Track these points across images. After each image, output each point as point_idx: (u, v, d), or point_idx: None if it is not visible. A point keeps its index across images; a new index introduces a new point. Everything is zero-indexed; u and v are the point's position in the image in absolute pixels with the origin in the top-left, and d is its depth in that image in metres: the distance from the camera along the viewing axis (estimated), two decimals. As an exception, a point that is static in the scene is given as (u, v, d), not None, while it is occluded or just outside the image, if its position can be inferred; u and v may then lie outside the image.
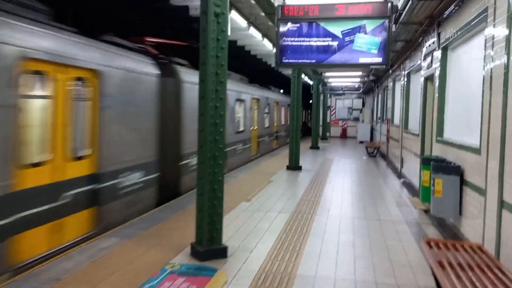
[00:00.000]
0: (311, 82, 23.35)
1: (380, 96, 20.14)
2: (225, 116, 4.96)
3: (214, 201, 4.95)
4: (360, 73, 20.63)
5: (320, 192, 9.13)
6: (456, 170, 5.65)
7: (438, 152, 7.14)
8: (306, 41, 6.34)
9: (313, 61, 6.41)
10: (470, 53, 6.09)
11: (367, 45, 6.17)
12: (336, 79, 24.51)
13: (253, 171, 12.37)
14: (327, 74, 21.36)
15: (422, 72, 8.88)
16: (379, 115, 20.82)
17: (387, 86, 16.97)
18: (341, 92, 30.91)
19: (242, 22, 9.76)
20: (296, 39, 6.39)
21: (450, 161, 6.13)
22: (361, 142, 25.13)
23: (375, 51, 6.19)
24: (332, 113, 31.35)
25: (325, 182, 10.51)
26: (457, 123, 6.59)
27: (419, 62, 9.59)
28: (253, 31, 10.78)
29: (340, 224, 6.61)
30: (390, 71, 15.07)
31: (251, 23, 9.94)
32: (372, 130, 25.42)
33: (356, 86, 29.20)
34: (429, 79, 8.48)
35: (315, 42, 6.31)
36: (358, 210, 7.57)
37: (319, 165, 14.03)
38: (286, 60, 6.51)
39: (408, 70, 11.15)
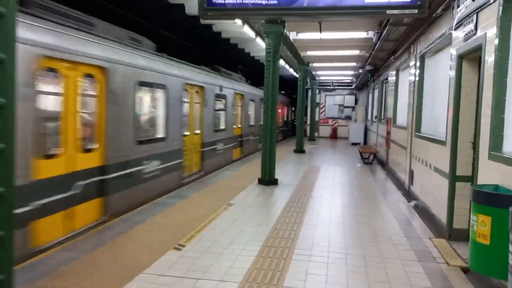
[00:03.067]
0: (297, 75, 20.29)
1: (377, 91, 17.16)
2: (11, 95, 1.85)
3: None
4: (354, 64, 17.67)
5: (296, 228, 6.08)
6: None
7: (496, 177, 4.13)
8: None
9: (274, 2, 3.35)
10: None
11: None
12: (326, 71, 21.54)
13: (214, 186, 9.29)
14: (315, 64, 18.35)
15: (454, 48, 5.86)
16: (375, 113, 17.85)
17: (387, 79, 13.99)
18: (331, 87, 27.94)
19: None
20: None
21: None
22: (353, 144, 22.19)
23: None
24: (321, 111, 28.37)
25: (306, 207, 7.47)
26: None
27: (442, 37, 6.59)
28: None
29: (325, 315, 3.57)
30: (392, 59, 12.08)
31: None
32: (366, 130, 22.47)
33: (349, 81, 26.31)
34: (467, 56, 5.47)
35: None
36: (355, 271, 4.52)
37: (301, 176, 10.99)
38: (221, 1, 3.42)
39: (423, 52, 8.15)
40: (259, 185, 9.49)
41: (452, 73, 5.91)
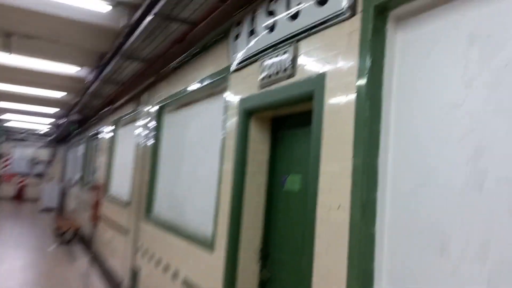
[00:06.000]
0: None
1: (83, 146, 13.88)
2: None
3: None
4: (57, 109, 13.97)
5: None
6: None
7: None
8: None
9: None
10: None
11: None
12: (15, 114, 16.62)
13: None
14: (1, 103, 13.56)
15: (235, 100, 3.74)
16: (78, 174, 14.38)
17: (98, 133, 11.10)
18: (22, 135, 22.51)
19: None
20: None
21: None
22: (46, 210, 17.61)
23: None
24: (5, 164, 22.26)
25: None
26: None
27: (200, 84, 4.49)
28: None
29: None
30: (111, 108, 9.39)
31: None
32: (63, 193, 18.34)
33: (47, 130, 21.73)
34: (263, 114, 3.41)
35: None
36: None
37: None
38: None
39: (162, 104, 5.87)
40: None
41: (226, 139, 3.75)
